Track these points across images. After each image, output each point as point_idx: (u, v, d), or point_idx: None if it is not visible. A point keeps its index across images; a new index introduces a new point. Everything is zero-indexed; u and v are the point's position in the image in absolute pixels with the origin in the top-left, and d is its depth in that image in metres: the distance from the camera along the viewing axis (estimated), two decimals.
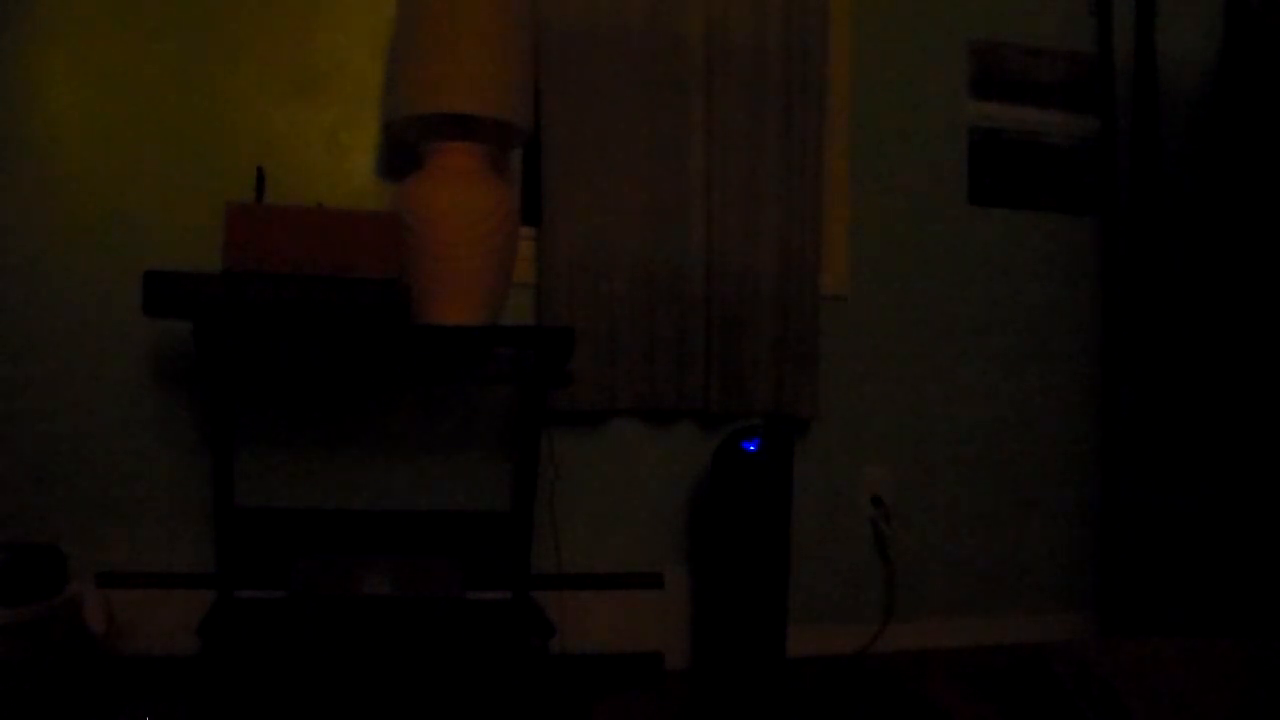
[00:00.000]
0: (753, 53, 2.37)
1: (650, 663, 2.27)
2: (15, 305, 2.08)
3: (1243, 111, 2.64)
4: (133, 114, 2.14)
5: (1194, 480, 2.65)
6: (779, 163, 2.39)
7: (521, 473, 2.23)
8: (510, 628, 1.94)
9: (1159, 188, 2.71)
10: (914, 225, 2.61)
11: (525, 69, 1.98)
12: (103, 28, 2.12)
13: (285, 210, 1.79)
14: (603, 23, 2.29)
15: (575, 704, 2.06)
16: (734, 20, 2.36)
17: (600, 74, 2.28)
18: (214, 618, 1.90)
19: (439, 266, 1.91)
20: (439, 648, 1.90)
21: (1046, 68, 2.70)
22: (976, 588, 2.64)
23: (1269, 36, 2.59)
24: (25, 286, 2.09)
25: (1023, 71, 2.68)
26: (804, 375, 2.41)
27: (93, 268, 2.11)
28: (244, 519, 2.10)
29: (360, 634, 1.86)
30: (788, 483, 2.15)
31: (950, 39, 2.63)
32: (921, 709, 2.08)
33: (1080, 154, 2.73)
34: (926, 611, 2.60)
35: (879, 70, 2.59)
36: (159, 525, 2.13)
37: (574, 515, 2.36)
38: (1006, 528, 2.67)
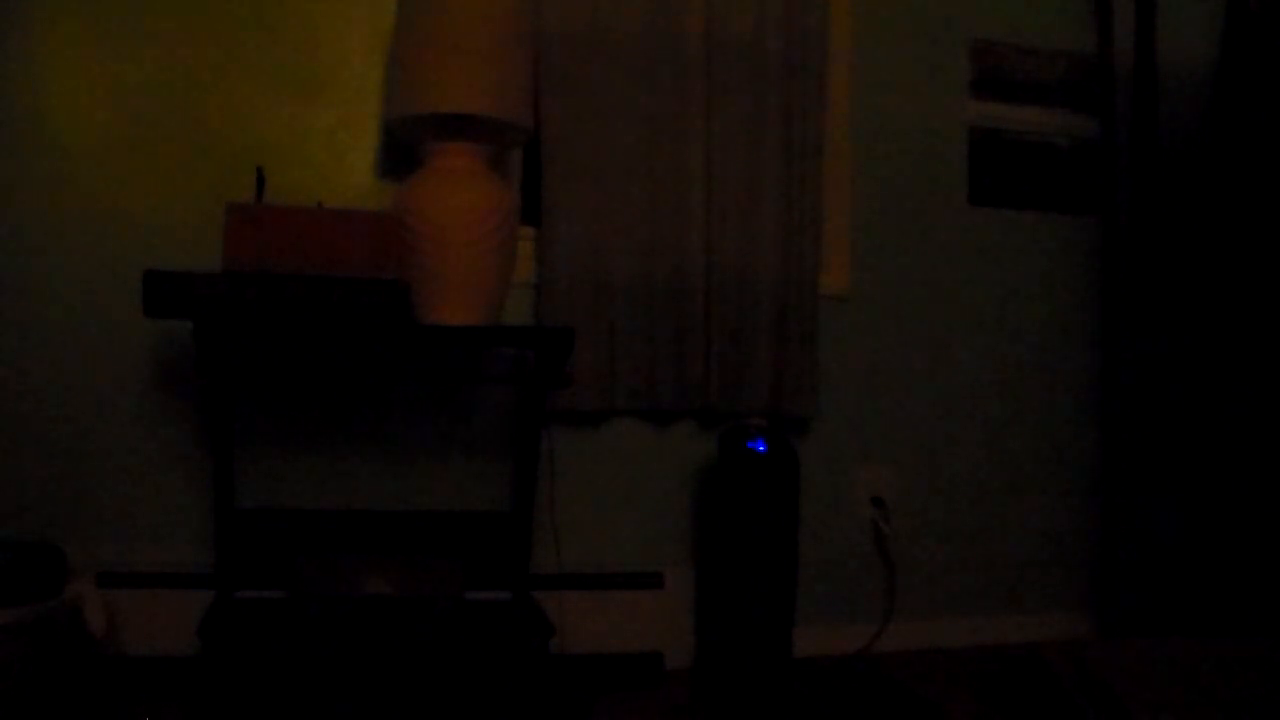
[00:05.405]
0: (752, 53, 2.37)
1: (650, 663, 2.27)
2: (16, 305, 2.08)
3: (1243, 112, 2.64)
4: (133, 114, 2.13)
5: (1194, 479, 2.65)
6: (779, 162, 2.39)
7: (521, 473, 2.23)
8: (510, 628, 1.94)
9: (1159, 188, 2.71)
10: (914, 225, 2.61)
11: (525, 69, 1.98)
12: (103, 28, 2.12)
13: (285, 210, 1.79)
14: (602, 23, 2.29)
15: (575, 704, 2.06)
16: (734, 20, 2.36)
17: (600, 74, 2.28)
18: (214, 618, 1.90)
19: (439, 266, 1.91)
20: (439, 648, 1.90)
21: (1046, 68, 2.70)
22: (976, 588, 2.64)
23: (1269, 37, 2.59)
24: (26, 286, 2.09)
25: (1023, 71, 2.68)
26: (804, 375, 2.41)
27: (93, 268, 2.11)
28: (244, 519, 2.10)
29: (361, 634, 1.86)
30: (794, 482, 2.15)
31: (950, 39, 2.63)
32: (921, 709, 2.08)
33: (1080, 154, 2.73)
34: (926, 611, 2.60)
35: (879, 70, 2.59)
36: (159, 525, 2.13)
37: (574, 515, 2.36)
38: (1006, 528, 2.67)
